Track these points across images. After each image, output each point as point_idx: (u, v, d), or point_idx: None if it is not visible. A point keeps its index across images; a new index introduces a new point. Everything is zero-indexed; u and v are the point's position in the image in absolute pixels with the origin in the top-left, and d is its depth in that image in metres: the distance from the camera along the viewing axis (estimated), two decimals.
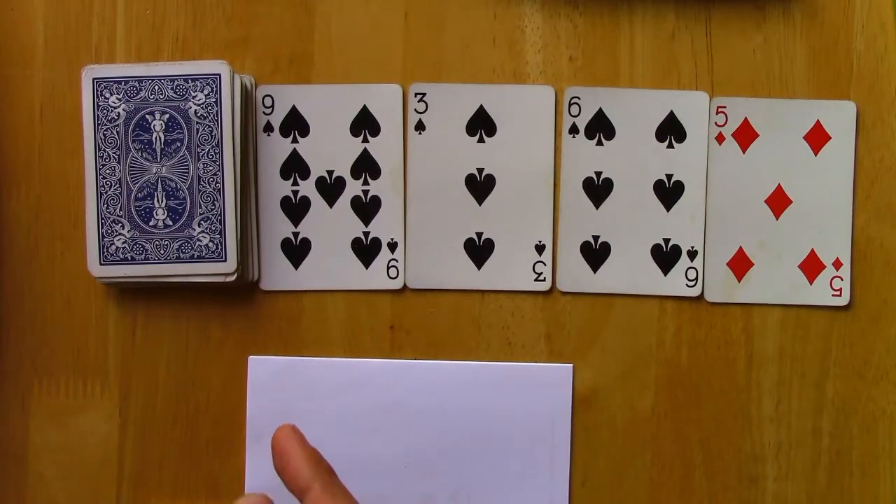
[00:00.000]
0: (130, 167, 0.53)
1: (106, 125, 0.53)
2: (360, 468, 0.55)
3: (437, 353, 0.55)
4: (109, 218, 0.53)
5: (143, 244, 0.53)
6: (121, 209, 0.53)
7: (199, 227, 0.53)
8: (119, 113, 0.53)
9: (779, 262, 0.55)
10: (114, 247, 0.53)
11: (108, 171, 0.53)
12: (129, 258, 0.53)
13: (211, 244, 0.53)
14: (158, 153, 0.53)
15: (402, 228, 0.55)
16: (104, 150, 0.53)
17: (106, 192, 0.53)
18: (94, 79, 0.53)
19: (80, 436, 0.55)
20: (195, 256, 0.53)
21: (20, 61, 0.55)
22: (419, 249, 0.55)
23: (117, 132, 0.53)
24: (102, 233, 0.53)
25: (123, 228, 0.53)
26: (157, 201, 0.53)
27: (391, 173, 0.55)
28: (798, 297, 0.55)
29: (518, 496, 0.55)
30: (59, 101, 0.55)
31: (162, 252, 0.53)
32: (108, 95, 0.53)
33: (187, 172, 0.53)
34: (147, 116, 0.53)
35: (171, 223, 0.53)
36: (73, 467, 0.55)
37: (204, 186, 0.53)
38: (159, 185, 0.53)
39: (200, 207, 0.53)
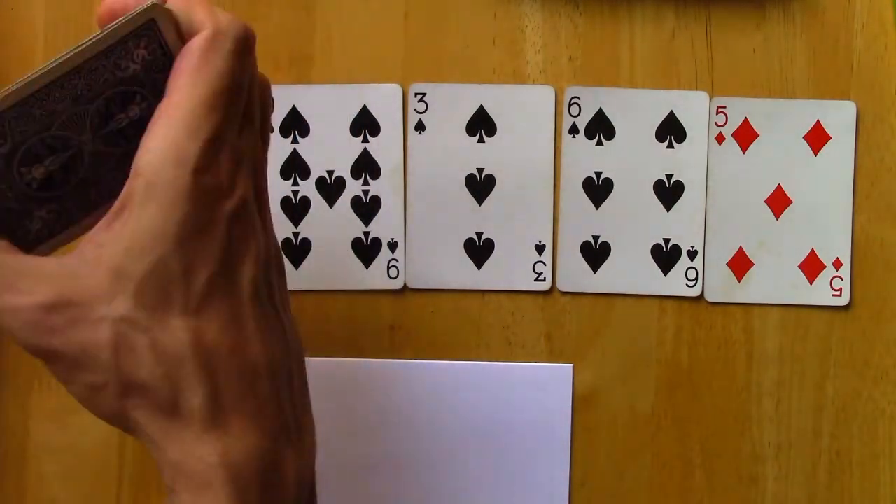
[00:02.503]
0: None
1: None
2: (360, 468, 0.55)
3: (437, 353, 0.55)
4: None
5: None
6: None
7: None
8: None
9: (779, 262, 0.55)
10: None
11: None
12: None
13: None
14: None
15: (402, 228, 0.55)
16: None
17: None
18: None
19: (80, 436, 0.55)
20: None
21: (20, 61, 0.55)
22: (419, 249, 0.55)
23: None
24: None
25: None
26: None
27: (391, 173, 0.55)
28: (798, 297, 0.55)
29: (518, 496, 0.55)
30: None
31: None
32: None
33: None
34: None
35: None
36: (73, 467, 0.55)
37: None
38: None
39: None
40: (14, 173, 0.38)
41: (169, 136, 0.37)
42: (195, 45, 0.38)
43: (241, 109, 0.38)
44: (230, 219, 0.37)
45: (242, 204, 0.38)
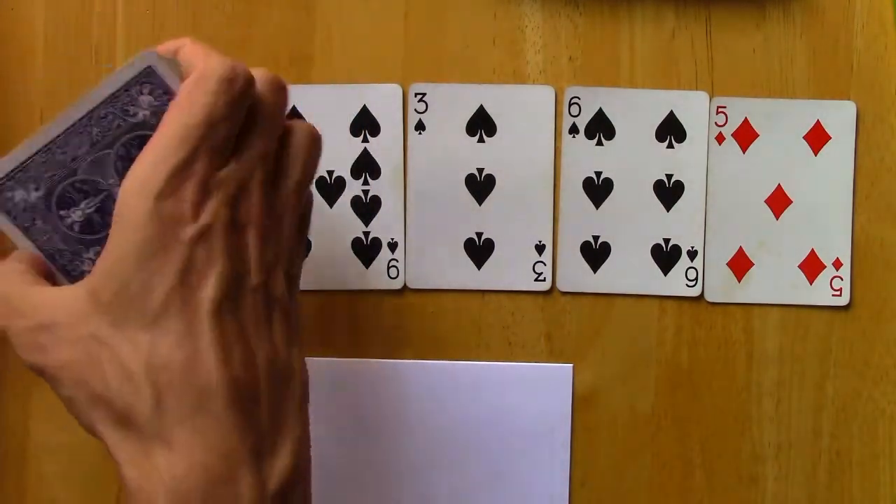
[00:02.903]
0: None
1: None
2: (359, 468, 0.55)
3: (437, 353, 0.55)
4: None
5: None
6: None
7: None
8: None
9: (779, 262, 0.55)
10: None
11: None
12: None
13: None
14: None
15: (402, 228, 0.55)
16: None
17: None
18: None
19: (80, 436, 0.55)
20: None
21: (20, 61, 0.55)
22: (419, 249, 0.55)
23: None
24: None
25: None
26: None
27: (391, 173, 0.55)
28: (798, 297, 0.55)
29: (518, 496, 0.55)
30: (59, 101, 0.55)
31: None
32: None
33: None
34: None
35: None
36: (73, 467, 0.55)
37: None
38: None
39: None
40: (55, 217, 0.42)
41: (140, 167, 0.39)
42: (183, 87, 0.40)
43: (223, 144, 0.40)
44: (192, 243, 0.39)
45: (206, 231, 0.39)
